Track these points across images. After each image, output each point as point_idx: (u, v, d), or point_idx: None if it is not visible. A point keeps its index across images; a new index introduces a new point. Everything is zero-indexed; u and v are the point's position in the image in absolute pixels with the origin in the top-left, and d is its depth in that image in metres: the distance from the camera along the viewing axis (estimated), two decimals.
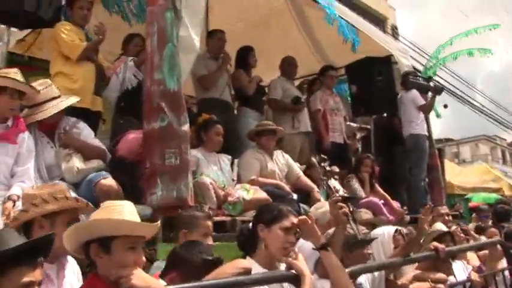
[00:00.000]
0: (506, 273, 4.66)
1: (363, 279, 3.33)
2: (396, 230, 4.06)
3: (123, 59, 5.15)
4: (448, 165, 12.49)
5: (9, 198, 3.24)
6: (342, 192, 5.66)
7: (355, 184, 6.27)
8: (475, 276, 4.31)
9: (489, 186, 16.33)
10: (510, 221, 6.97)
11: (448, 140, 33.68)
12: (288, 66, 7.06)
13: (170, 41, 4.11)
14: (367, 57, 7.87)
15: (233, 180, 5.12)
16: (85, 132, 4.11)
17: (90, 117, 4.69)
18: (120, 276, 2.01)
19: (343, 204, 3.22)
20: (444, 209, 5.99)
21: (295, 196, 5.25)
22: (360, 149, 8.32)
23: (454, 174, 14.73)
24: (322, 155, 6.47)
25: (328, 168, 6.22)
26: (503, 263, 4.79)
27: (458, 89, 16.33)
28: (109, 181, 3.66)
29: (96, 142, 4.15)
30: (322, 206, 4.02)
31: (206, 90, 5.97)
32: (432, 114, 8.48)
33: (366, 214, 5.26)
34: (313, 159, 6.16)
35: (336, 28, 6.55)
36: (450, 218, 5.95)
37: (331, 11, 6.23)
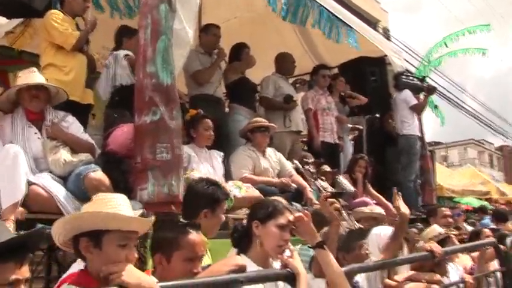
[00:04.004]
0: (498, 274, 4.67)
1: (359, 277, 3.27)
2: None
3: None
4: (438, 168, 12.52)
5: None
6: (330, 189, 5.59)
7: (343, 180, 6.20)
8: (468, 278, 4.27)
9: (478, 189, 16.47)
10: (507, 223, 7.11)
11: (437, 143, 33.85)
12: (284, 62, 7.00)
13: (164, 33, 4.00)
14: (360, 57, 7.84)
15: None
16: (73, 126, 4.01)
17: (79, 110, 4.59)
18: (111, 272, 1.92)
19: (334, 200, 3.14)
20: (447, 211, 6.06)
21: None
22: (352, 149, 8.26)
23: (444, 177, 14.79)
24: (309, 159, 6.40)
25: (312, 170, 6.14)
26: (495, 264, 4.79)
27: (449, 91, 16.42)
28: (99, 174, 3.55)
29: (85, 136, 4.05)
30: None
31: (200, 86, 5.89)
32: (430, 118, 8.50)
33: (365, 208, 5.18)
34: (296, 162, 6.07)
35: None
36: (451, 220, 5.99)
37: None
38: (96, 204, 2.11)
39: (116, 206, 2.08)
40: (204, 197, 3.23)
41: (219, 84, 6.11)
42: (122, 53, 5.00)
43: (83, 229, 2.03)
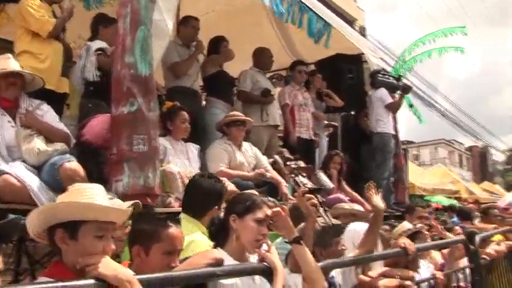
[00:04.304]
0: (468, 270, 4.78)
1: (334, 272, 3.28)
2: None
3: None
4: (410, 167, 12.71)
5: None
6: (309, 185, 5.60)
7: (322, 176, 6.23)
8: (439, 274, 4.33)
9: (448, 188, 16.79)
10: (473, 220, 7.28)
11: (409, 142, 34.34)
12: (262, 57, 6.99)
13: (143, 23, 3.95)
14: (337, 54, 7.88)
15: None
16: (49, 115, 3.93)
17: (55, 99, 4.52)
18: (87, 264, 1.89)
19: (312, 196, 3.14)
20: (425, 213, 6.19)
21: None
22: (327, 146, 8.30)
23: (416, 176, 15.00)
24: (287, 155, 6.41)
25: (294, 166, 6.14)
26: (464, 261, 4.89)
27: (423, 91, 16.66)
28: (74, 165, 3.49)
29: (61, 125, 3.98)
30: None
31: (177, 78, 5.84)
32: (403, 117, 8.60)
33: (346, 204, 5.23)
34: (277, 157, 6.08)
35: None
36: (427, 222, 6.13)
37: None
38: (73, 194, 2.07)
39: (92, 196, 2.05)
40: (215, 194, 3.31)
41: (196, 77, 6.07)
42: (94, 45, 4.89)
43: (59, 220, 1.99)
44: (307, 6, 6.27)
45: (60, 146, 3.69)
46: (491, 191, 22.02)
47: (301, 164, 6.43)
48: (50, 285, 1.81)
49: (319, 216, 3.19)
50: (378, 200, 3.75)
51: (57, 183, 3.36)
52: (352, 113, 8.44)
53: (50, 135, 3.75)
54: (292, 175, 4.34)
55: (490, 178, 34.12)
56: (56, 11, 4.76)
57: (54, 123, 3.89)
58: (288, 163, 4.43)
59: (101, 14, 5.29)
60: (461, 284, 4.69)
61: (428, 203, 13.02)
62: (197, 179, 3.56)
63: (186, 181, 4.36)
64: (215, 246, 2.77)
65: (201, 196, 3.32)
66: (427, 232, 5.13)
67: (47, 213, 2.01)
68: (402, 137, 8.39)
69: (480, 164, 43.56)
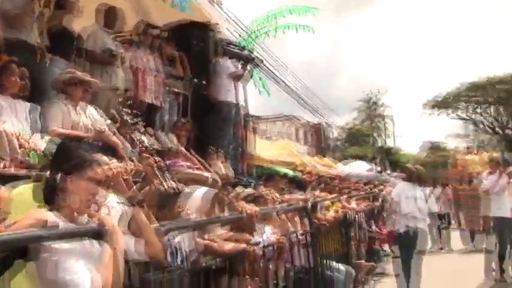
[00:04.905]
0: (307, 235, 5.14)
1: (176, 236, 3.21)
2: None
3: None
4: (258, 140, 13.14)
5: None
6: (147, 143, 5.48)
7: (163, 136, 6.12)
8: (282, 239, 4.47)
9: (288, 160, 17.70)
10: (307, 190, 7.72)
11: (256, 117, 35.38)
12: (110, 17, 6.66)
13: None
14: (188, 21, 7.80)
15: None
16: None
17: None
18: None
19: (149, 156, 3.02)
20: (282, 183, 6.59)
21: None
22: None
23: (263, 149, 15.53)
24: (129, 109, 6.22)
25: (130, 120, 5.97)
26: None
27: (271, 66, 17.19)
28: None
29: None
30: None
31: (11, 28, 5.26)
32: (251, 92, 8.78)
33: (187, 169, 5.17)
34: (113, 111, 5.84)
35: None
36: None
37: None
38: None
39: None
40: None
41: (37, 31, 5.52)
42: None
43: None
44: None
45: None
46: (329, 164, 23.49)
47: (150, 131, 6.33)
48: None
49: (163, 179, 3.10)
50: (224, 169, 3.77)
51: None
52: (202, 81, 8.39)
53: None
54: (130, 131, 4.16)
55: (328, 152, 36.41)
56: None
57: None
58: (125, 118, 4.23)
59: None
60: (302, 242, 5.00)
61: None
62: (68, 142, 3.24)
63: (14, 140, 4.00)
64: (50, 209, 2.51)
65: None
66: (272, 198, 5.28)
67: None
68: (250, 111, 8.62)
69: (319, 138, 46.24)
